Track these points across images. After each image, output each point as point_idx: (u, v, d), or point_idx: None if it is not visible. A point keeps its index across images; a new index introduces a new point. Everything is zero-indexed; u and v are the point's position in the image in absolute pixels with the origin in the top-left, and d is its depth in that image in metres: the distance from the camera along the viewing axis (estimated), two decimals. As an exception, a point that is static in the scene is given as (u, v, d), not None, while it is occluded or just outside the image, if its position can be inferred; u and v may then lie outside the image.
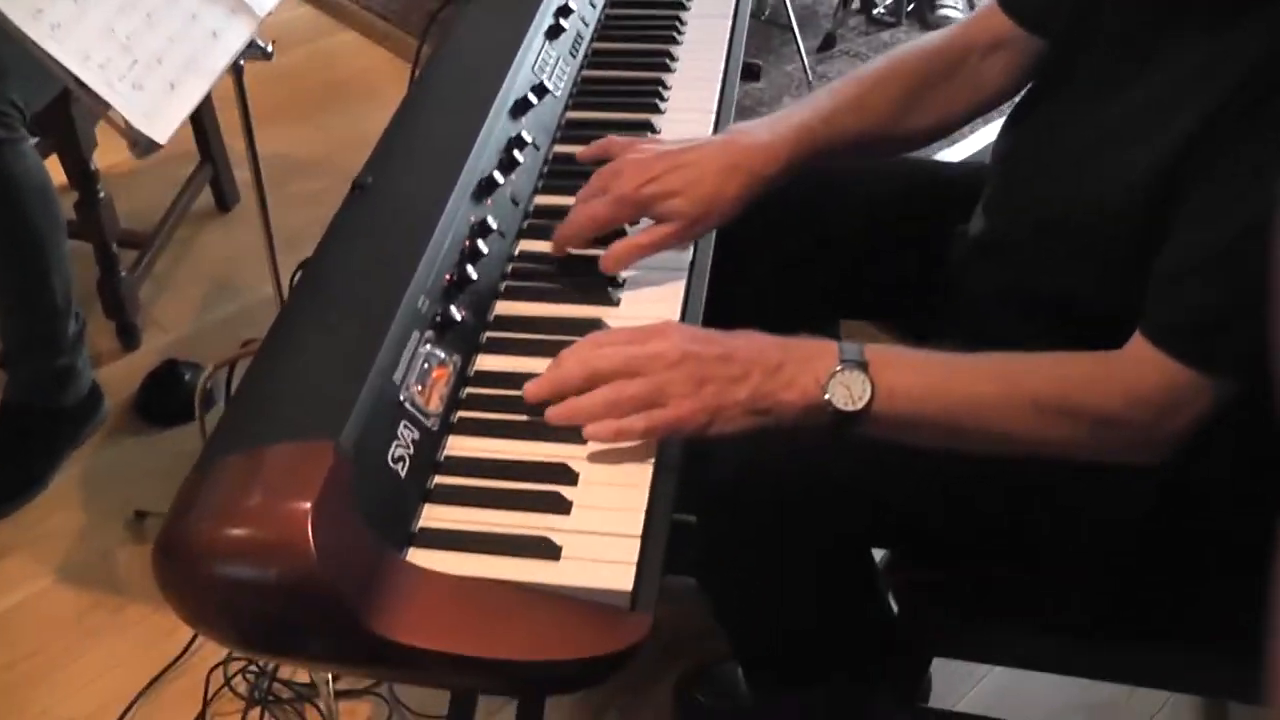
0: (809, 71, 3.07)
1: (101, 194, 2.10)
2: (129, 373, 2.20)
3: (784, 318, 1.41)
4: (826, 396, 0.99)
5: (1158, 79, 1.05)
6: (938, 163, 1.58)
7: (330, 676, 1.60)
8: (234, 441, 0.90)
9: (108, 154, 2.16)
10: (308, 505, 0.82)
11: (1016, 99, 1.30)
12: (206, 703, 1.68)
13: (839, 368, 0.99)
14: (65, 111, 1.98)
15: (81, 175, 2.07)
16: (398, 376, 0.97)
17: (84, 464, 2.05)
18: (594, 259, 1.18)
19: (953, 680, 1.71)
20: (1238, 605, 1.17)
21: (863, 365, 0.99)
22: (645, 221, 1.18)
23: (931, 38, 1.32)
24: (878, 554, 1.32)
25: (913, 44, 1.31)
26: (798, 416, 1.00)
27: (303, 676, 1.70)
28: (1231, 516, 1.16)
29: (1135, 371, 1.00)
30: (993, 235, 1.26)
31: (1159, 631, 1.23)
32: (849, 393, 0.99)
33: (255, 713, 1.67)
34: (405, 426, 0.95)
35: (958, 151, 2.66)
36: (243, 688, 1.70)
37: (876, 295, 1.45)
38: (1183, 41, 1.04)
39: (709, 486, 1.13)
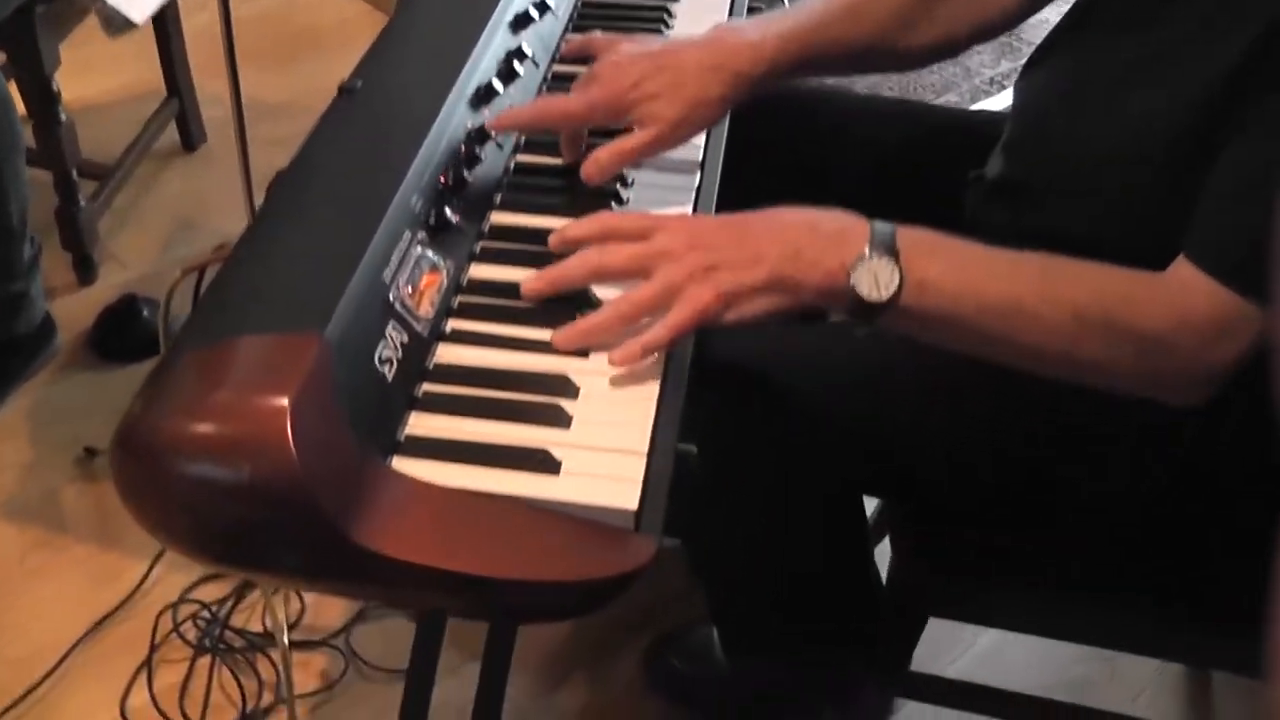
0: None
1: (64, 117, 2.00)
2: (85, 307, 2.10)
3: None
4: (851, 283, 0.91)
5: (1191, 10, 0.99)
6: (953, 109, 1.53)
7: (286, 625, 1.51)
8: (206, 334, 0.82)
9: (73, 84, 2.07)
10: (287, 400, 0.74)
11: (1040, 42, 1.25)
12: (154, 648, 1.59)
13: (868, 252, 0.91)
14: (28, 25, 1.87)
15: (42, 94, 1.96)
16: (387, 275, 0.89)
17: (33, 397, 1.95)
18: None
19: (937, 649, 1.65)
20: (1238, 580, 1.13)
21: (894, 252, 0.92)
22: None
23: None
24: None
25: None
26: (819, 297, 0.93)
27: (256, 624, 1.62)
28: (1237, 493, 1.12)
29: (1182, 295, 0.93)
30: (1013, 177, 1.20)
31: (1158, 600, 1.18)
32: (875, 281, 0.91)
33: (204, 660, 1.58)
34: (394, 327, 0.87)
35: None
36: (192, 634, 1.61)
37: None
38: None
39: (712, 412, 1.06)
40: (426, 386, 0.89)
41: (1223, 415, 1.02)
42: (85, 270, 2.18)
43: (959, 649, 1.69)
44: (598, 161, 1.07)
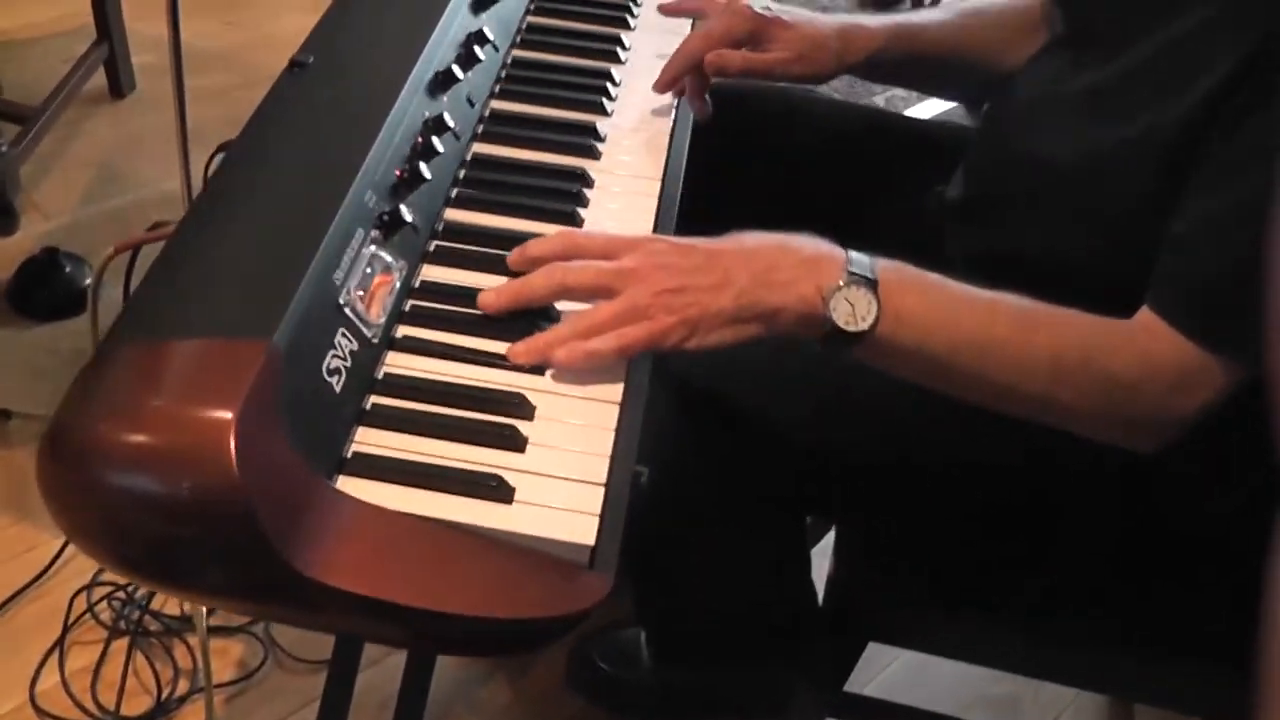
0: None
1: (-14, 59, 1.91)
2: (2, 258, 2.01)
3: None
4: (828, 311, 0.88)
5: (1175, 32, 0.98)
6: (917, 119, 1.50)
7: (205, 611, 1.46)
8: (145, 330, 0.77)
9: (-7, 19, 1.98)
10: (232, 413, 0.69)
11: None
12: (66, 629, 1.53)
13: (845, 281, 0.89)
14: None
15: (-35, 34, 1.88)
16: (338, 277, 0.84)
17: (-60, 353, 1.87)
18: (554, 170, 1.09)
19: (862, 661, 1.63)
20: (1197, 614, 1.13)
21: (872, 283, 0.89)
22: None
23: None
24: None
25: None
26: (792, 324, 0.90)
27: (174, 608, 1.56)
28: (1196, 520, 1.11)
29: (1149, 342, 0.92)
30: (975, 198, 1.19)
31: (1100, 632, 1.17)
32: (852, 310, 0.89)
33: (119, 644, 1.53)
34: (344, 334, 0.83)
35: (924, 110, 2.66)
36: (107, 615, 1.55)
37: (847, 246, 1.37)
38: None
39: (661, 426, 1.03)
40: (375, 399, 0.84)
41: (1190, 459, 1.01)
42: (5, 219, 2.09)
43: (885, 658, 1.68)
44: (723, 58, 1.17)
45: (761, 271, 0.89)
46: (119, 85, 2.43)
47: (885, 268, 0.91)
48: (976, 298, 0.93)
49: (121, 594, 1.56)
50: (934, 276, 0.93)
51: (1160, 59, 0.98)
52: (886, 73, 1.29)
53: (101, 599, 1.56)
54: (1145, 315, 0.93)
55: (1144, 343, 0.93)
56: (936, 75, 1.31)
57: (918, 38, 1.24)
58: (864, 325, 0.89)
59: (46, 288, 1.97)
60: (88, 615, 1.55)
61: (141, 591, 1.56)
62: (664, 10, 1.31)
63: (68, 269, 1.98)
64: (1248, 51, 0.90)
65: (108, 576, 1.58)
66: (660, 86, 1.20)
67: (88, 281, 1.99)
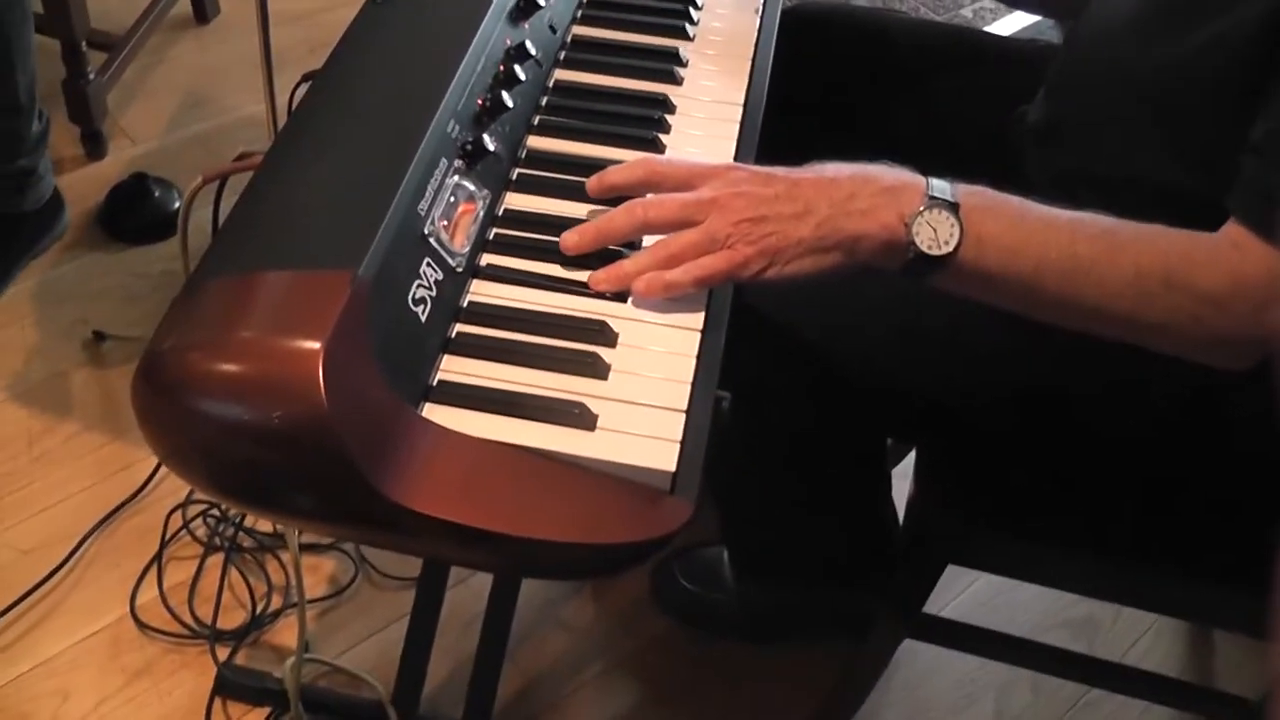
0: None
1: (74, -16, 1.93)
2: (93, 183, 2.05)
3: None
4: (911, 236, 0.88)
5: None
6: (1002, 37, 1.47)
7: (297, 529, 1.50)
8: (235, 263, 0.79)
9: (80, -52, 1.98)
10: (320, 343, 0.71)
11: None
12: (164, 544, 1.58)
13: (926, 205, 0.88)
14: (40, -111, 1.80)
15: (52, -39, 1.90)
16: (423, 207, 0.85)
17: (39, 277, 1.91)
18: (635, 96, 1.09)
19: (938, 587, 1.64)
20: (1255, 542, 1.12)
21: (954, 206, 0.88)
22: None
23: None
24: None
25: None
26: (874, 251, 0.89)
27: (266, 526, 1.61)
28: (1263, 450, 1.09)
29: (1236, 256, 0.89)
30: (1056, 117, 1.16)
31: (1177, 558, 1.15)
32: (935, 234, 0.88)
33: (215, 559, 1.57)
34: (429, 264, 0.84)
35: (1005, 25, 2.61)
36: (202, 532, 1.60)
37: (930, 170, 1.36)
38: None
39: (743, 355, 1.04)
40: (460, 327, 0.85)
41: (1257, 378, 1.00)
42: (93, 145, 2.12)
43: (964, 581, 1.68)
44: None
45: (842, 200, 0.89)
46: (203, 10, 2.45)
47: (966, 192, 0.90)
48: (1058, 218, 0.91)
49: (216, 511, 1.60)
50: (1015, 199, 0.92)
51: None
52: None
53: (196, 516, 1.61)
54: (1231, 228, 0.91)
55: (1232, 257, 0.90)
56: None
57: None
58: (947, 249, 0.88)
59: (136, 212, 2.01)
60: (184, 532, 1.60)
61: (235, 509, 1.60)
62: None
63: (156, 193, 2.02)
64: None
65: (202, 495, 1.62)
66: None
67: (176, 205, 2.02)
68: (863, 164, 0.92)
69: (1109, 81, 1.08)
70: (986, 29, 2.68)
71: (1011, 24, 2.69)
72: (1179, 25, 1.00)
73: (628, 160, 0.96)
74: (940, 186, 0.90)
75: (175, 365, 0.74)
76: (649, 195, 0.91)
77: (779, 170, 0.91)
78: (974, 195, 0.90)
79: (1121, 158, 1.07)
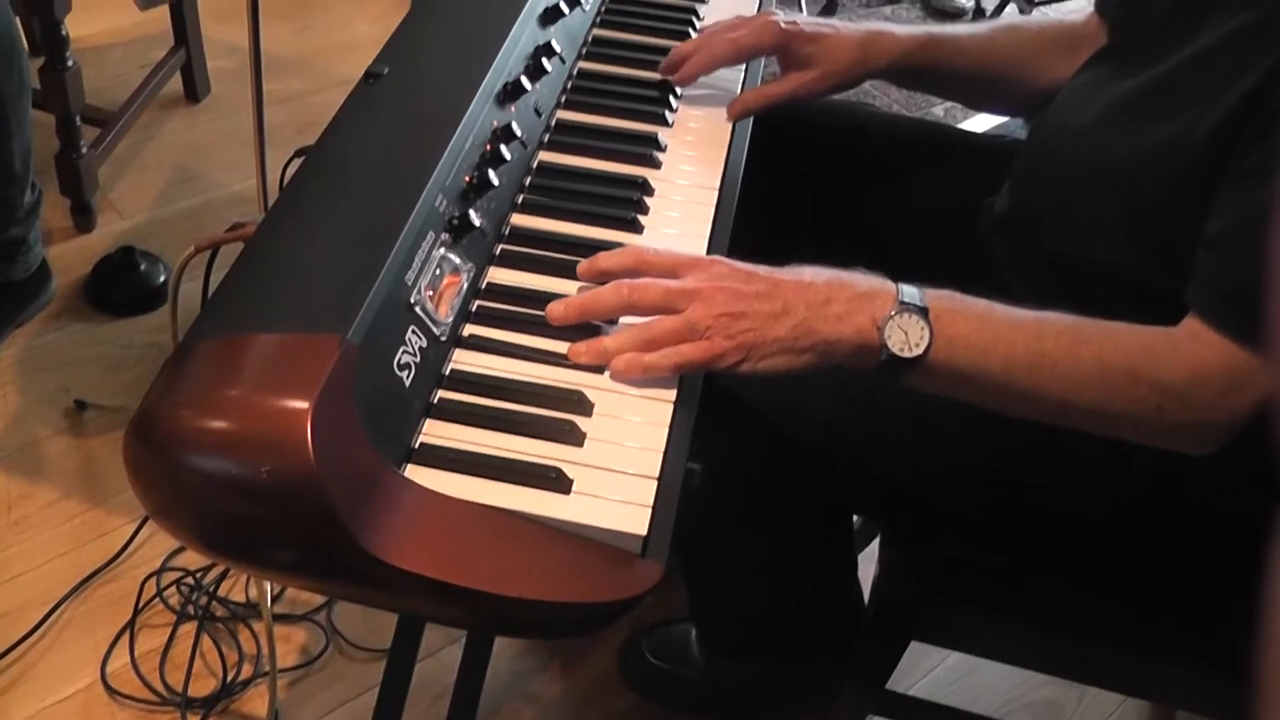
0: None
1: (71, 62, 1.98)
2: (80, 255, 2.09)
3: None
4: (884, 339, 0.92)
5: (1213, 39, 1.00)
6: (971, 133, 1.53)
7: (270, 597, 1.52)
8: (228, 325, 0.82)
9: (79, 24, 2.04)
10: (308, 403, 0.74)
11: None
12: (137, 611, 1.59)
13: (897, 309, 0.92)
14: (42, -32, 1.85)
15: (52, 39, 1.94)
16: (410, 277, 0.89)
17: (24, 345, 1.93)
18: (615, 179, 1.13)
19: (909, 661, 1.66)
20: (1221, 623, 1.14)
21: (923, 310, 0.93)
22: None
23: (1053, 18, 1.33)
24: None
25: (1037, 17, 1.31)
26: (847, 355, 0.93)
27: (240, 594, 1.62)
28: (1223, 530, 1.13)
29: (1196, 348, 0.94)
30: (1021, 208, 1.21)
31: (1141, 637, 1.18)
32: (906, 337, 0.92)
33: (187, 627, 1.58)
34: (414, 332, 0.87)
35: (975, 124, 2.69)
36: (175, 599, 1.61)
37: (901, 261, 1.40)
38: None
39: (715, 429, 1.07)
40: (443, 393, 0.89)
41: (1216, 461, 1.03)
42: (83, 217, 2.16)
43: (931, 661, 1.70)
44: (744, 104, 1.24)
45: (819, 304, 0.92)
46: (194, 89, 2.50)
47: (934, 296, 0.94)
48: (1023, 318, 0.96)
49: (190, 579, 1.62)
50: (981, 301, 0.96)
51: (1198, 63, 1.01)
52: (918, 81, 1.34)
53: (171, 584, 1.62)
54: (1190, 322, 0.96)
55: (1192, 350, 0.95)
56: (967, 86, 1.33)
57: (946, 47, 1.28)
58: (918, 350, 0.92)
59: (122, 284, 2.04)
60: (157, 599, 1.61)
61: (209, 577, 1.62)
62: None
63: (142, 266, 2.05)
64: (1274, 61, 0.92)
65: (177, 562, 1.64)
66: (679, 79, 1.26)
67: (162, 279, 2.05)
68: (838, 270, 0.96)
69: (1070, 175, 1.13)
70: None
71: (982, 123, 2.76)
72: (1138, 125, 1.05)
73: (607, 238, 1.01)
74: (910, 292, 0.94)
75: (168, 421, 0.77)
76: (637, 258, 0.95)
77: (760, 269, 0.95)
78: (942, 299, 0.94)
79: (1084, 247, 1.12)
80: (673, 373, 0.91)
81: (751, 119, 1.26)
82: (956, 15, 3.28)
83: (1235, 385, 0.94)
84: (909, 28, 1.29)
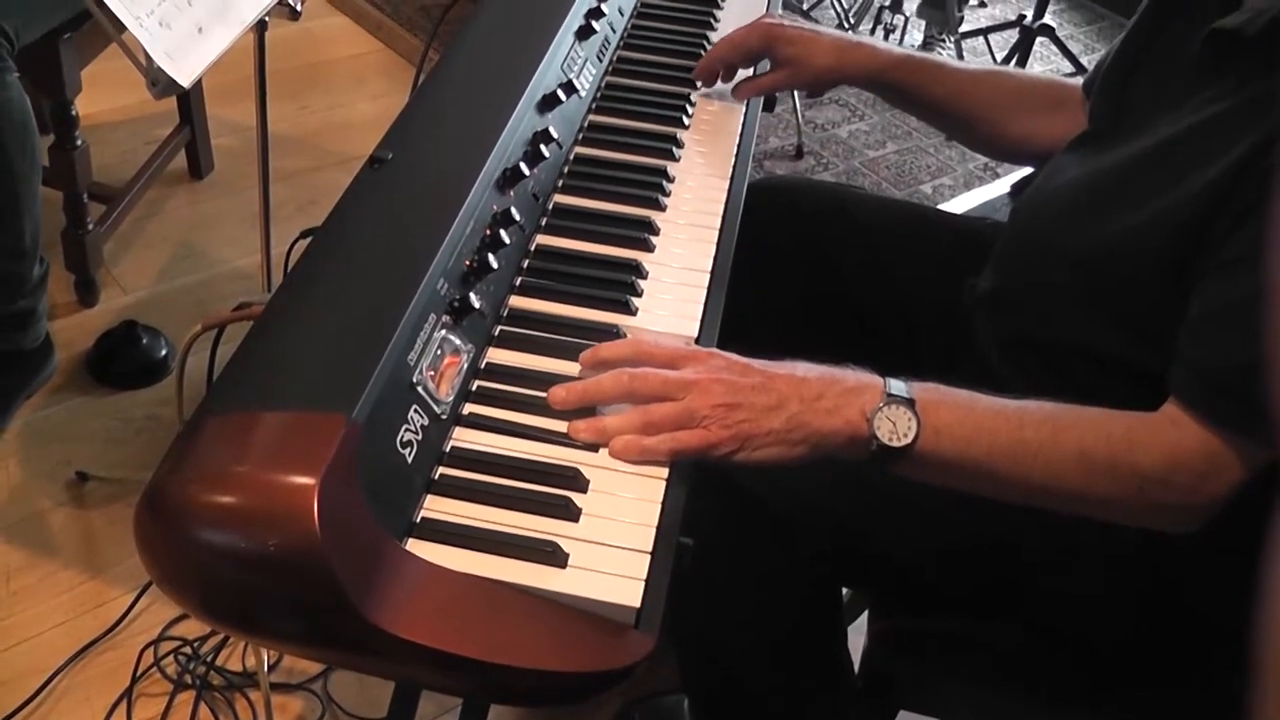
0: (799, 114, 3.08)
1: (80, 142, 2.03)
2: (83, 329, 2.12)
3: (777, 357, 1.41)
4: (872, 430, 0.96)
5: (1184, 125, 1.05)
6: (952, 214, 1.58)
7: (267, 666, 1.54)
8: (236, 402, 0.85)
9: (85, 101, 2.08)
10: (315, 479, 0.78)
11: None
12: (135, 680, 1.61)
13: (885, 401, 0.97)
14: (53, 50, 1.90)
15: (62, 119, 2.00)
16: (412, 358, 0.92)
17: (26, 417, 1.96)
18: (610, 262, 1.17)
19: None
20: (1215, 696, 1.17)
21: (910, 401, 0.97)
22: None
23: (1045, 75, 1.39)
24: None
25: (1031, 71, 1.39)
26: (839, 447, 0.97)
27: (236, 664, 1.64)
28: (1214, 604, 1.15)
29: (1175, 434, 0.98)
30: (1002, 288, 1.25)
31: (1130, 711, 1.20)
32: (894, 428, 0.97)
33: (185, 696, 1.60)
34: (416, 410, 0.91)
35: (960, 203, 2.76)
36: (173, 669, 1.63)
37: (887, 339, 1.43)
38: (1222, 86, 1.04)
39: (705, 509, 1.10)
40: (443, 470, 0.92)
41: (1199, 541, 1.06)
42: (87, 292, 2.20)
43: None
44: (742, 90, 1.43)
45: (811, 398, 0.97)
46: (198, 167, 2.55)
47: (921, 388, 0.99)
48: (1006, 406, 1.00)
49: (188, 648, 1.64)
50: (964, 392, 1.01)
51: (1171, 148, 1.05)
52: (894, 97, 1.45)
53: (168, 653, 1.64)
54: (1170, 407, 1.00)
55: (1170, 436, 0.98)
56: (940, 114, 1.43)
57: (925, 73, 1.38)
58: (906, 440, 0.97)
59: (123, 358, 2.08)
60: (154, 669, 1.63)
61: (207, 646, 1.64)
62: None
63: (144, 341, 2.09)
64: (1255, 142, 0.97)
65: (175, 631, 1.66)
66: (695, 74, 1.45)
67: (163, 353, 2.09)
68: (828, 366, 1.01)
69: (1048, 259, 1.17)
70: (943, 205, 2.82)
71: (966, 202, 2.83)
72: (1109, 210, 1.09)
73: (602, 320, 1.05)
74: (897, 385, 0.99)
75: (178, 496, 0.80)
76: (637, 349, 1.00)
77: (756, 363, 1.00)
78: (928, 391, 0.99)
79: (1064, 326, 1.15)
80: (669, 458, 0.95)
81: (741, 202, 1.30)
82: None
83: (1213, 470, 0.98)
84: (894, 47, 1.40)
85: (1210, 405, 0.97)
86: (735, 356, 1.00)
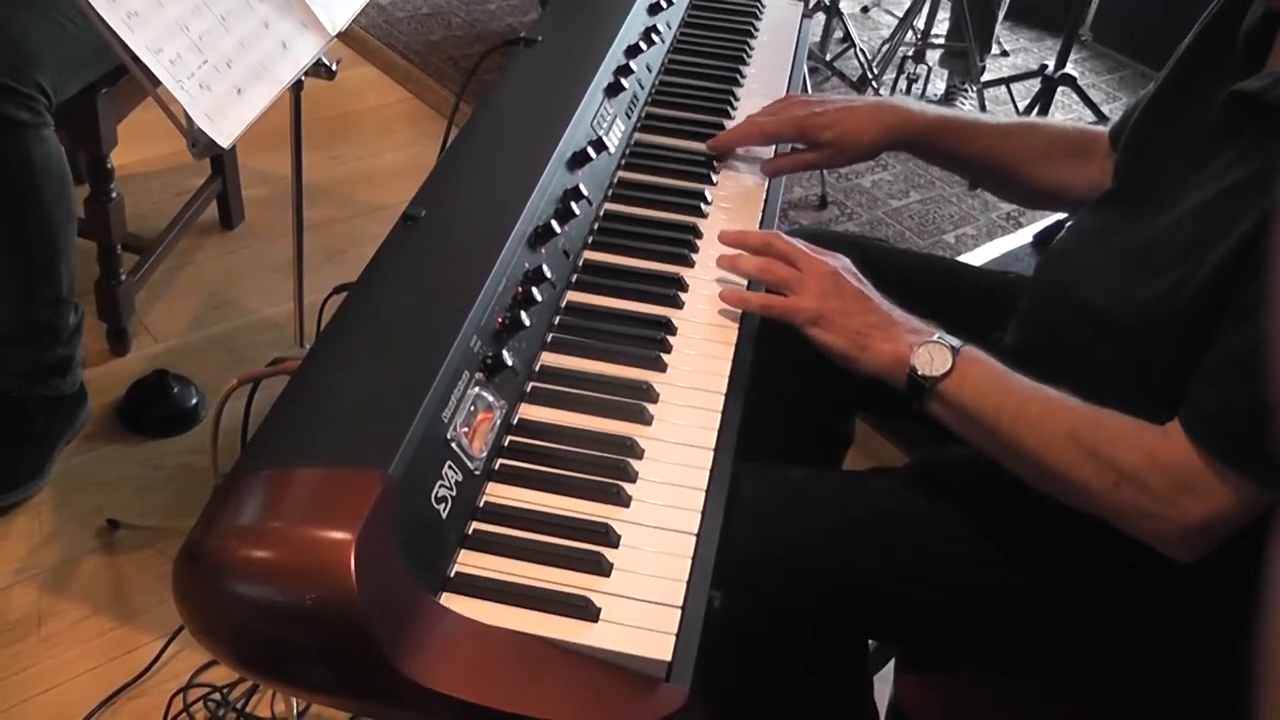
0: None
1: (114, 194, 2.06)
2: (115, 378, 2.15)
3: (806, 408, 1.43)
4: (912, 358, 1.11)
5: (1209, 193, 1.07)
6: (976, 268, 1.60)
7: (296, 714, 1.55)
8: (274, 458, 0.87)
9: (119, 152, 2.10)
10: (352, 535, 0.79)
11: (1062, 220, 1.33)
12: (164, 728, 1.62)
13: (935, 340, 1.12)
14: (90, 105, 1.94)
15: (97, 172, 2.03)
16: (446, 414, 0.94)
17: (59, 465, 1.98)
18: (640, 318, 1.19)
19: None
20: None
21: (955, 349, 1.12)
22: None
23: (1073, 124, 1.43)
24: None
25: (1059, 120, 1.43)
26: (882, 366, 1.14)
27: (264, 711, 1.65)
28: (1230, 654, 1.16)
29: (1160, 441, 1.03)
30: (1027, 344, 1.27)
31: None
32: (931, 361, 1.12)
33: (213, 743, 1.61)
34: (450, 466, 0.92)
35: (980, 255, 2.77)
36: (202, 716, 1.64)
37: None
38: (1240, 148, 1.06)
39: (730, 562, 1.11)
40: (477, 525, 0.93)
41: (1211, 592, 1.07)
42: (118, 341, 2.23)
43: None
44: (776, 166, 1.47)
45: (886, 325, 1.16)
46: (229, 217, 2.58)
47: (971, 347, 1.13)
48: (1028, 384, 1.11)
49: (217, 695, 1.65)
50: (1004, 366, 1.12)
51: (1190, 222, 1.08)
52: (927, 156, 1.50)
53: (197, 700, 1.65)
54: (1171, 425, 1.03)
55: (1155, 440, 1.03)
56: (973, 169, 1.50)
57: (959, 133, 1.43)
58: (938, 372, 1.11)
59: (155, 406, 2.10)
60: (184, 715, 1.64)
61: (236, 693, 1.65)
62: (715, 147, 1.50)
63: (175, 390, 2.11)
64: (1266, 209, 0.99)
65: (204, 678, 1.67)
66: (712, 146, 1.48)
67: (194, 401, 2.11)
68: (911, 317, 1.18)
69: (1072, 318, 1.19)
70: (966, 255, 2.84)
71: (989, 252, 2.85)
72: (1136, 278, 1.11)
73: (632, 376, 1.09)
74: (952, 338, 1.14)
75: (218, 550, 0.82)
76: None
77: (865, 284, 1.20)
78: (976, 350, 1.13)
79: (1086, 383, 1.17)
80: (758, 310, 1.20)
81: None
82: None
83: (1189, 483, 1.01)
84: (927, 107, 1.45)
85: (1210, 437, 1.01)
86: (846, 276, 1.19)
